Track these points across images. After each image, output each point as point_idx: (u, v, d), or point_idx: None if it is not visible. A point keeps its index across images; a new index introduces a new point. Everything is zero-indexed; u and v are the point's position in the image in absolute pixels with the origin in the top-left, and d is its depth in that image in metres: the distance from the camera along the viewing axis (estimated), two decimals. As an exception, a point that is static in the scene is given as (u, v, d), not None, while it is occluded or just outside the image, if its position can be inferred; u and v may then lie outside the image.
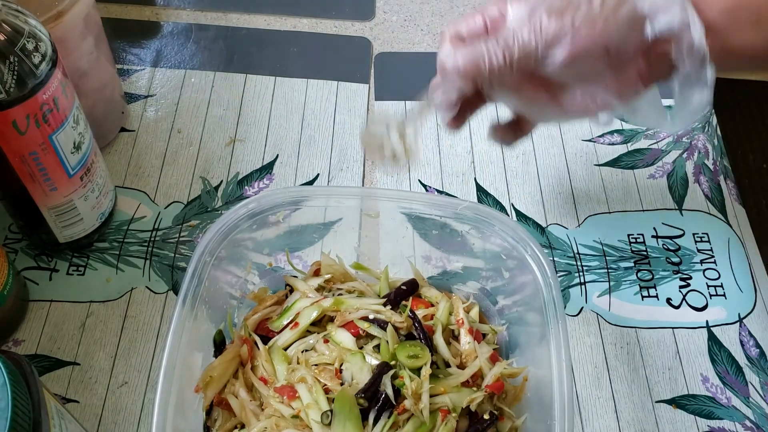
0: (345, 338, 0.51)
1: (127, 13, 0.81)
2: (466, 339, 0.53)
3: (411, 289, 0.56)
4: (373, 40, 0.81)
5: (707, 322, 0.62)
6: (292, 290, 0.57)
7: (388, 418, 0.47)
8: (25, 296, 0.59)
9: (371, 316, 0.52)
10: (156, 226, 0.64)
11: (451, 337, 0.54)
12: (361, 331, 0.52)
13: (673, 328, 0.61)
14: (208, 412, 0.52)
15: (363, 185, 0.69)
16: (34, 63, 0.47)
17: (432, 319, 0.54)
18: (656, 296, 0.63)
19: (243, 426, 0.50)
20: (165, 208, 0.66)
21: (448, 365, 0.52)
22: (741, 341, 0.61)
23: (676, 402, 0.57)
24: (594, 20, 0.42)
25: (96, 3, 0.61)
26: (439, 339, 0.52)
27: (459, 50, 0.44)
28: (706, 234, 0.67)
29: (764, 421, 0.56)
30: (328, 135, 0.72)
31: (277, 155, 0.70)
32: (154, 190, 0.67)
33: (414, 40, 0.82)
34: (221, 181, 0.68)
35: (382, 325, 0.52)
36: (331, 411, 0.46)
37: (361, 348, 0.51)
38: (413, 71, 0.79)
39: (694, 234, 0.67)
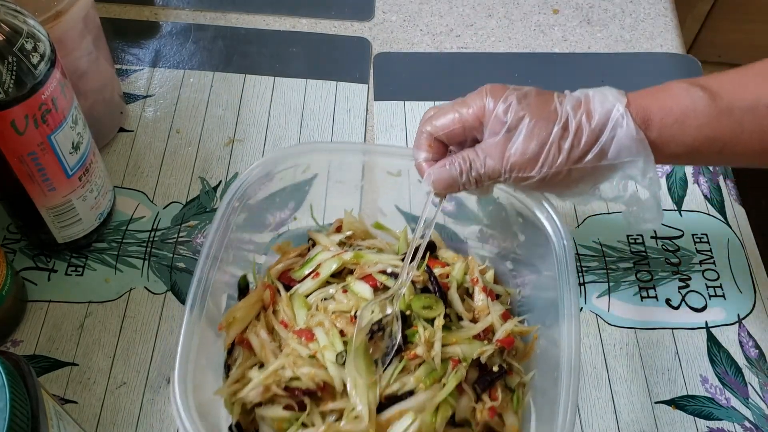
0: (363, 289, 0.53)
1: (126, 13, 0.81)
2: (479, 296, 0.55)
3: (429, 249, 0.57)
4: (372, 41, 0.81)
5: (706, 322, 0.62)
6: (314, 244, 0.59)
7: (399, 362, 0.49)
8: (23, 296, 0.58)
9: (389, 270, 0.54)
10: (155, 227, 0.64)
11: (465, 294, 0.56)
12: (378, 284, 0.53)
13: (672, 328, 0.61)
14: (230, 352, 0.54)
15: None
16: (32, 63, 0.47)
17: (448, 278, 0.56)
18: (655, 297, 0.63)
19: (262, 365, 0.51)
20: (164, 208, 0.66)
21: (461, 319, 0.53)
22: (740, 342, 0.61)
23: (676, 403, 0.57)
24: (560, 170, 0.46)
25: (95, 3, 0.61)
26: (453, 294, 0.54)
27: (435, 169, 0.49)
28: (705, 235, 0.67)
29: (763, 422, 0.56)
30: (327, 135, 0.72)
31: (276, 155, 0.70)
32: (152, 190, 0.67)
33: (413, 40, 0.82)
34: (220, 182, 0.68)
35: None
36: (345, 351, 0.48)
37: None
38: (412, 71, 0.79)
39: (693, 235, 0.67)
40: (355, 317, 0.51)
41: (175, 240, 0.64)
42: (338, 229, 0.60)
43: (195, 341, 0.47)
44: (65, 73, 0.51)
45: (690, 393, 0.58)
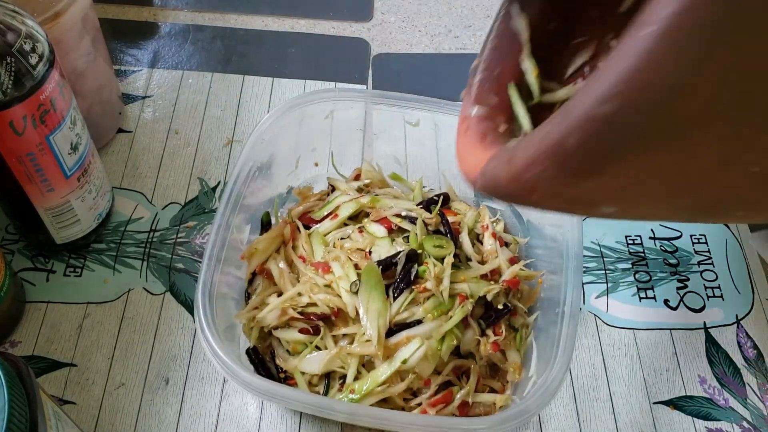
0: (378, 230, 0.56)
1: (125, 13, 0.81)
2: (489, 241, 0.58)
3: (442, 200, 0.60)
4: (371, 41, 0.81)
5: (705, 323, 0.62)
6: (333, 190, 0.63)
7: (409, 294, 0.51)
8: (21, 297, 0.58)
9: (403, 213, 0.57)
10: (153, 227, 0.64)
11: (476, 240, 0.59)
12: (393, 226, 0.56)
13: (670, 329, 0.61)
14: (251, 282, 0.57)
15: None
16: (31, 64, 0.47)
17: (460, 224, 0.59)
18: (654, 297, 0.63)
19: (281, 294, 0.54)
20: (162, 209, 0.66)
21: (469, 261, 0.56)
22: (738, 342, 0.61)
23: (674, 403, 0.57)
24: None
25: (93, 3, 0.61)
26: (464, 237, 0.57)
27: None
28: (704, 236, 0.67)
29: (762, 422, 0.56)
30: (326, 135, 0.72)
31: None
32: (151, 191, 0.67)
33: (412, 41, 0.82)
34: (219, 182, 0.68)
35: (413, 221, 0.56)
36: (358, 281, 0.51)
37: (392, 241, 0.55)
38: (411, 72, 0.79)
39: (691, 236, 0.67)
40: (370, 253, 0.54)
41: (173, 241, 0.63)
42: (357, 177, 0.64)
43: (216, 273, 0.51)
44: (64, 74, 0.51)
45: (688, 393, 0.58)
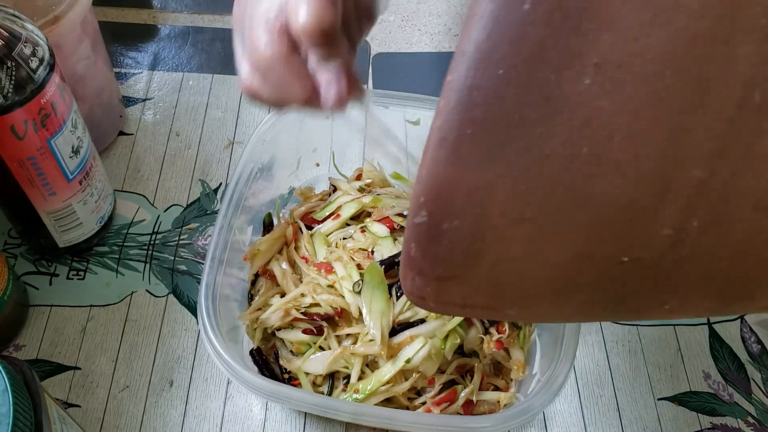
0: (380, 230, 0.56)
1: (125, 16, 0.81)
2: None
3: None
4: (370, 41, 0.81)
5: (708, 318, 0.62)
6: (335, 190, 0.63)
7: None
8: (25, 301, 0.58)
9: (406, 212, 0.56)
10: (155, 230, 0.64)
11: None
12: (395, 225, 0.56)
13: (674, 325, 0.61)
14: (253, 283, 0.58)
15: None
16: (31, 68, 0.47)
17: None
18: (657, 293, 0.63)
19: (284, 295, 0.54)
20: (164, 211, 0.66)
21: None
22: (742, 337, 0.61)
23: (678, 399, 0.57)
24: None
25: (93, 6, 0.61)
26: None
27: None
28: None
29: (766, 417, 0.56)
30: (327, 134, 0.72)
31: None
32: (153, 193, 0.67)
33: (412, 40, 0.82)
34: (220, 184, 0.68)
35: None
36: (361, 281, 0.51)
37: (395, 240, 0.55)
38: (411, 71, 0.79)
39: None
40: (372, 253, 0.54)
41: (176, 243, 0.64)
42: (358, 177, 0.64)
43: (219, 274, 0.51)
44: (64, 77, 0.51)
45: (693, 389, 0.58)
